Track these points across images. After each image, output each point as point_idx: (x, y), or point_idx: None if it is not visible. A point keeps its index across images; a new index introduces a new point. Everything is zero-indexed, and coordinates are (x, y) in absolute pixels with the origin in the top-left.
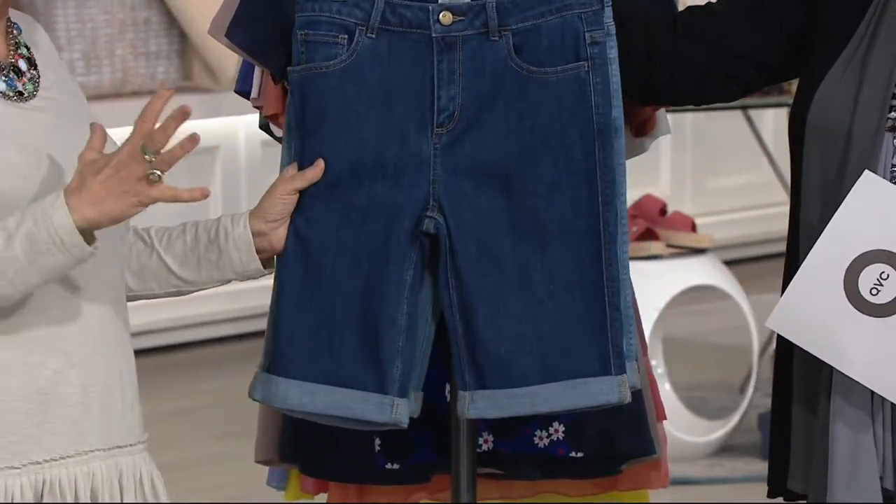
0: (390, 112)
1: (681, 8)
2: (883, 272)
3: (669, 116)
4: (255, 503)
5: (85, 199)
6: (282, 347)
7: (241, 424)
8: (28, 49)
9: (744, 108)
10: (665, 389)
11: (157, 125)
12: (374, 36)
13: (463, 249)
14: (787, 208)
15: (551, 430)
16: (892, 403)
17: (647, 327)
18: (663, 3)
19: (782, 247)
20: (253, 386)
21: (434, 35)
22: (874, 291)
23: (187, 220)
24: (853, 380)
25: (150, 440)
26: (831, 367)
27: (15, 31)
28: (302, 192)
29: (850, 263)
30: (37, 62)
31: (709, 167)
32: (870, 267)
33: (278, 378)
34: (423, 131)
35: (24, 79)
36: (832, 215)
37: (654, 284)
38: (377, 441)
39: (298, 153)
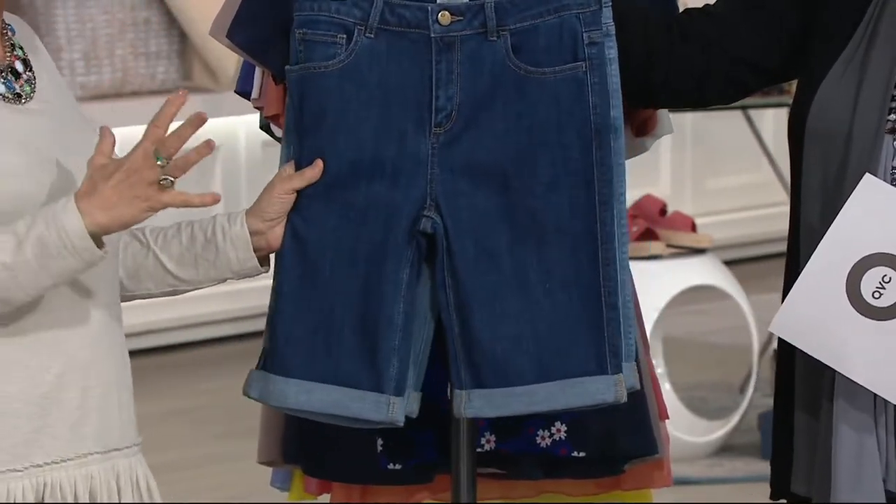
0: (388, 112)
1: (681, 9)
2: (885, 275)
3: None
4: (255, 503)
5: (96, 203)
6: (280, 346)
7: (241, 424)
8: (23, 50)
9: (744, 108)
10: (665, 389)
11: (171, 131)
12: (372, 36)
13: (460, 249)
14: (787, 208)
15: (553, 429)
16: (895, 406)
17: (648, 327)
18: (663, 3)
19: (782, 247)
20: (248, 384)
21: (432, 35)
22: (876, 295)
23: (186, 219)
24: (856, 383)
25: (150, 440)
26: (834, 370)
27: (9, 33)
28: (300, 192)
29: (853, 267)
30: (31, 64)
31: (709, 167)
32: (872, 270)
33: (276, 377)
34: (420, 131)
35: (21, 80)
36: (833, 216)
37: (654, 284)
38: (380, 441)
39: (297, 153)
